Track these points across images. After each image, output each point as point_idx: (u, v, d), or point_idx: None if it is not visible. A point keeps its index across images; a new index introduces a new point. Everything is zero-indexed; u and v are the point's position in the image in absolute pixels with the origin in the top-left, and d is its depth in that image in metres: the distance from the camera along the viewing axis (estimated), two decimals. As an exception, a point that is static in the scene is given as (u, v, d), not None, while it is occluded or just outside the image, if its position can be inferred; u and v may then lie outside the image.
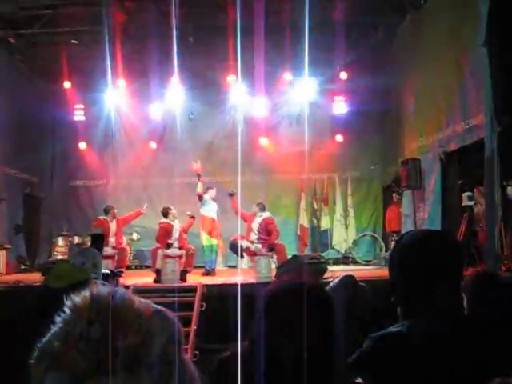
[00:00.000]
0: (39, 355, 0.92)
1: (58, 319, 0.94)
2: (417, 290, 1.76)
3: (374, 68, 14.02)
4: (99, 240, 8.68)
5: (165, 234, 10.40)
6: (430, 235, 1.97)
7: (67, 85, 14.76)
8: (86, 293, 0.95)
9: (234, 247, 10.05)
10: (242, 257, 10.43)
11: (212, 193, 12.09)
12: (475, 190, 9.78)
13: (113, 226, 10.88)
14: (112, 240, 10.60)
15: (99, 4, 11.19)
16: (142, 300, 0.99)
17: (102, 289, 0.96)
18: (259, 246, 10.12)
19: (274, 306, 1.39)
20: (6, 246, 12.91)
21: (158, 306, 1.00)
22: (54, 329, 0.93)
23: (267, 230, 10.30)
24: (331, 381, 1.30)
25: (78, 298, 0.95)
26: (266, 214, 10.52)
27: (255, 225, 10.36)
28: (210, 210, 12.01)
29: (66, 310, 0.94)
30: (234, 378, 1.37)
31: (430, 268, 1.76)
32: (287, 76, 14.47)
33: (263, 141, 15.43)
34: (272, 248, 10.14)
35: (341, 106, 15.09)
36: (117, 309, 0.92)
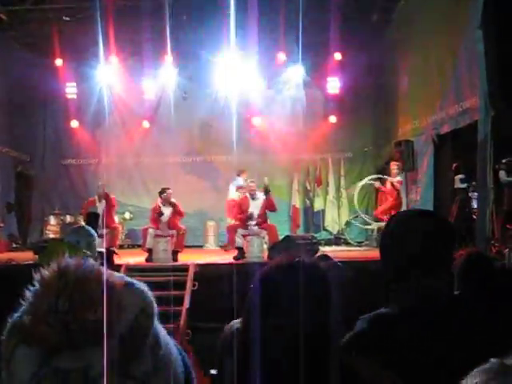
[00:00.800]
0: (10, 330, 0.92)
1: (27, 293, 0.93)
2: (406, 271, 1.77)
3: (369, 50, 13.96)
4: (94, 219, 8.66)
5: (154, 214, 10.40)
6: (418, 215, 1.97)
7: (59, 62, 14.61)
8: (54, 266, 0.94)
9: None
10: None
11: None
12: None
13: (101, 205, 10.75)
14: (99, 221, 10.50)
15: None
16: (115, 273, 0.98)
17: (69, 261, 0.95)
18: (255, 228, 10.13)
19: (270, 283, 1.38)
20: (-3, 224, 12.89)
21: (133, 280, 0.99)
22: (23, 303, 0.92)
23: (269, 209, 10.30)
24: (327, 361, 1.29)
25: (46, 271, 0.93)
26: (263, 196, 10.46)
27: (253, 208, 10.28)
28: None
29: (36, 283, 0.93)
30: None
31: (419, 248, 1.76)
32: (281, 56, 14.38)
33: (257, 120, 15.38)
34: (262, 229, 10.14)
35: (334, 87, 15.04)
36: (85, 281, 0.91)
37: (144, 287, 0.99)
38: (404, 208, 11.67)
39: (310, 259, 1.44)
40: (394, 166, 11.87)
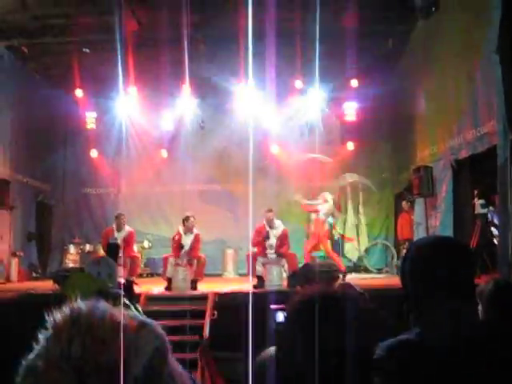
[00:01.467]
0: (24, 373, 0.91)
1: (40, 336, 0.92)
2: (428, 298, 1.75)
3: (385, 75, 13.99)
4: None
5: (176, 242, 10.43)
6: (440, 242, 1.95)
7: (79, 93, 14.85)
8: (66, 309, 0.94)
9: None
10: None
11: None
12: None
13: (119, 235, 10.73)
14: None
15: (111, 13, 11.25)
16: (126, 312, 0.97)
17: (81, 305, 0.94)
18: (273, 256, 10.09)
19: (303, 315, 1.39)
20: (18, 253, 12.98)
21: (146, 319, 0.99)
22: (35, 346, 0.92)
23: (282, 241, 10.25)
24: None
25: (58, 314, 0.93)
26: (282, 225, 10.45)
27: (272, 238, 10.26)
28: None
29: (48, 326, 0.92)
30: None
31: (440, 275, 1.74)
32: (298, 84, 14.46)
33: (274, 148, 15.43)
34: (281, 258, 10.10)
35: (352, 114, 15.08)
36: (98, 324, 0.90)
37: (157, 326, 0.98)
38: (423, 234, 11.58)
39: (342, 289, 1.46)
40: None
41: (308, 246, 11.92)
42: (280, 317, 4.00)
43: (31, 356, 0.91)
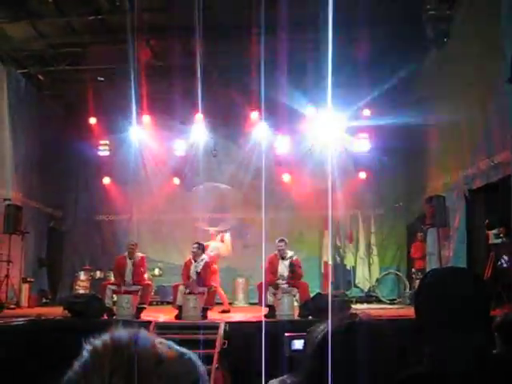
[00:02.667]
0: None
1: (76, 365, 0.87)
2: (442, 330, 1.71)
3: (398, 105, 14.00)
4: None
5: (185, 270, 10.40)
6: (454, 273, 1.93)
7: (93, 120, 14.99)
8: (106, 337, 0.89)
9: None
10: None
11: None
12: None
13: (130, 262, 10.67)
14: (129, 278, 10.44)
15: (125, 42, 11.41)
16: (163, 341, 0.93)
17: (122, 334, 0.89)
18: (285, 286, 10.01)
19: (332, 345, 1.37)
20: (28, 279, 12.99)
21: (182, 348, 0.94)
22: (71, 374, 0.87)
23: (295, 271, 10.17)
24: None
25: (99, 342, 0.88)
26: (292, 255, 10.38)
27: (283, 267, 10.19)
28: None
29: (85, 354, 0.87)
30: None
31: (454, 307, 1.71)
32: (310, 113, 14.51)
33: (286, 177, 15.43)
34: (293, 287, 10.01)
35: (364, 143, 15.09)
36: (140, 357, 0.85)
37: (194, 357, 0.94)
38: (436, 265, 11.46)
39: (367, 319, 1.44)
40: None
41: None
42: (296, 344, 3.95)
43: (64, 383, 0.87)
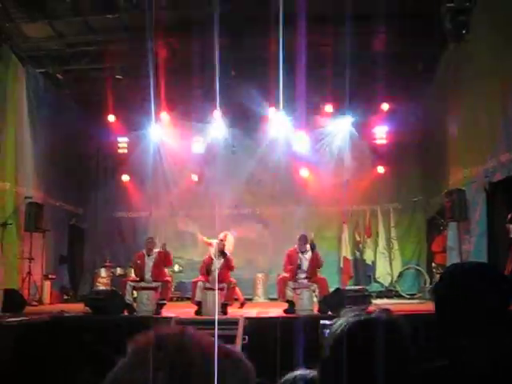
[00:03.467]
0: None
1: (120, 362, 0.84)
2: (461, 325, 1.71)
3: (416, 98, 13.93)
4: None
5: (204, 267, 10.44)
6: (474, 268, 1.92)
7: (112, 118, 15.07)
8: (151, 334, 0.86)
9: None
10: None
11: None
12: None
13: (149, 260, 10.70)
14: (148, 274, 10.47)
15: (144, 40, 11.45)
16: (212, 339, 0.89)
17: (168, 329, 0.87)
18: (304, 280, 9.99)
19: (349, 340, 1.37)
20: (50, 276, 13.13)
21: (228, 346, 0.91)
22: (116, 371, 0.84)
23: (316, 264, 10.16)
24: None
25: (143, 338, 0.85)
26: (311, 249, 10.36)
27: (303, 261, 10.17)
28: None
29: (129, 351, 0.85)
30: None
31: (474, 302, 1.70)
32: (328, 108, 14.48)
33: (305, 172, 15.42)
34: (312, 282, 9.99)
35: (382, 138, 15.03)
36: (185, 353, 0.82)
37: (243, 357, 0.91)
38: (456, 259, 11.37)
39: (386, 315, 1.44)
40: None
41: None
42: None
43: (108, 380, 0.84)
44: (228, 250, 10.97)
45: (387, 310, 1.46)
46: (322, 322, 4.34)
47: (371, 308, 1.50)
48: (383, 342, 1.34)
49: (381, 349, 1.32)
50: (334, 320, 1.46)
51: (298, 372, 1.69)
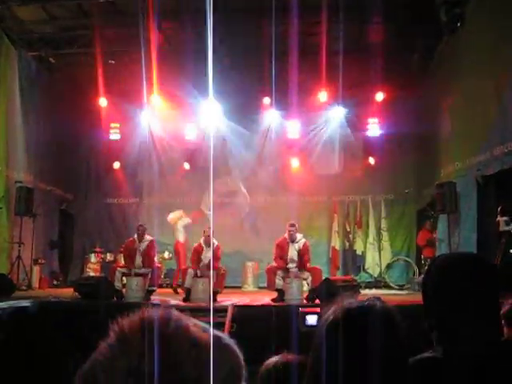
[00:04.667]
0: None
1: (102, 346, 0.81)
2: (450, 315, 1.71)
3: (410, 90, 13.92)
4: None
5: (195, 253, 10.46)
6: (463, 258, 1.92)
7: (104, 104, 14.98)
8: (135, 317, 0.83)
9: None
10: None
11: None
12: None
13: (140, 246, 10.71)
14: (139, 260, 10.50)
15: (137, 25, 11.37)
16: (198, 323, 0.86)
17: (153, 313, 0.83)
18: (295, 270, 10.00)
19: (342, 331, 1.37)
20: (40, 261, 13.08)
21: (217, 332, 0.87)
22: (96, 357, 0.80)
23: (304, 255, 10.16)
24: None
25: (126, 322, 0.82)
26: (303, 239, 10.37)
27: (292, 251, 10.17)
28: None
29: (112, 336, 0.81)
30: None
31: (463, 292, 1.70)
32: (321, 98, 14.44)
33: (296, 162, 15.42)
34: (305, 271, 9.99)
35: (375, 129, 15.03)
36: (171, 339, 0.79)
37: (232, 343, 0.88)
38: (446, 251, 11.42)
39: (379, 303, 1.44)
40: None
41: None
42: (309, 320, 3.97)
43: (89, 365, 0.81)
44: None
45: (379, 299, 1.46)
46: (301, 309, 4.35)
47: (361, 297, 1.50)
48: (380, 328, 1.34)
49: (378, 335, 1.32)
50: (326, 307, 1.46)
51: (277, 358, 1.69)
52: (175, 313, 0.85)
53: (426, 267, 1.92)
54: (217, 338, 0.85)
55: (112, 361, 0.78)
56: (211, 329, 0.87)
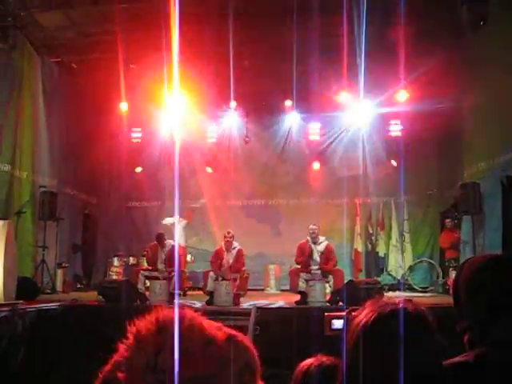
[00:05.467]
0: None
1: (121, 346, 0.84)
2: (485, 317, 1.67)
3: (433, 90, 13.79)
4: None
5: (216, 257, 10.48)
6: (498, 259, 1.87)
7: (125, 108, 15.08)
8: (151, 317, 0.85)
9: None
10: None
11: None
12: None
13: (162, 252, 10.78)
14: (162, 266, 10.56)
15: (158, 29, 11.41)
16: (212, 322, 0.89)
17: (167, 312, 0.86)
18: (318, 272, 9.97)
19: (377, 334, 1.35)
20: (63, 264, 13.20)
21: (231, 330, 0.89)
22: (116, 357, 0.83)
23: (328, 257, 10.12)
24: None
25: (143, 323, 0.85)
26: (325, 241, 10.34)
27: (315, 254, 10.14)
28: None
29: (129, 336, 0.84)
30: None
31: (500, 294, 1.66)
32: (343, 99, 14.38)
33: (318, 164, 15.37)
34: (328, 274, 9.95)
35: (397, 130, 14.93)
36: (186, 336, 0.81)
37: (246, 340, 0.90)
38: (470, 253, 11.28)
39: (413, 306, 1.42)
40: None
41: None
42: (336, 324, 3.95)
43: (109, 367, 0.83)
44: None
45: (411, 301, 1.44)
46: (327, 314, 4.33)
47: (391, 299, 1.47)
48: (415, 331, 1.32)
49: (412, 339, 1.30)
50: (358, 310, 1.44)
51: (311, 360, 1.67)
52: (190, 312, 0.88)
53: (457, 269, 1.88)
54: (233, 336, 0.87)
55: (130, 360, 0.81)
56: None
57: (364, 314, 1.40)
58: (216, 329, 0.86)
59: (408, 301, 1.44)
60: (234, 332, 0.89)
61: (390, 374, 1.28)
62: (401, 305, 1.40)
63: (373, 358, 1.30)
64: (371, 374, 1.29)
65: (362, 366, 1.31)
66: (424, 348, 1.32)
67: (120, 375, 0.80)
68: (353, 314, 1.43)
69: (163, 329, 0.82)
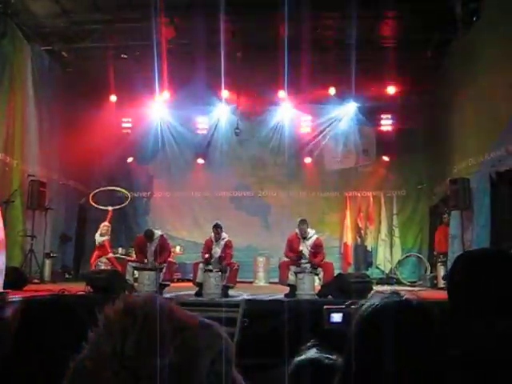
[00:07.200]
0: (72, 376, 0.80)
1: (90, 335, 0.81)
2: (480, 312, 1.67)
3: (423, 86, 13.83)
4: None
5: (205, 248, 10.44)
6: (493, 254, 1.88)
7: (116, 98, 15.00)
8: (120, 303, 0.82)
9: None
10: None
11: None
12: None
13: (151, 245, 10.70)
14: (151, 258, 10.49)
15: (149, 19, 11.35)
16: (185, 310, 0.86)
17: (136, 297, 0.84)
18: (307, 265, 9.96)
19: (377, 327, 1.34)
20: (52, 254, 13.12)
21: (205, 319, 0.86)
22: (87, 344, 0.81)
23: (317, 251, 10.12)
24: None
25: (110, 308, 0.82)
26: (315, 235, 10.33)
27: (305, 248, 10.13)
28: None
29: (99, 323, 0.81)
30: None
31: (494, 289, 1.67)
32: (333, 93, 14.38)
33: (309, 157, 15.38)
34: (317, 267, 9.95)
35: (387, 124, 14.96)
36: (155, 320, 0.78)
37: (220, 328, 0.87)
38: (459, 248, 11.34)
39: (414, 298, 1.41)
40: None
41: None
42: (334, 317, 3.93)
43: (80, 356, 0.81)
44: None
45: (398, 294, 1.43)
46: (325, 307, 4.30)
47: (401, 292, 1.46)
48: (418, 325, 1.31)
49: (415, 332, 1.29)
50: (361, 303, 1.43)
51: (311, 355, 1.65)
52: (159, 297, 0.85)
53: (452, 263, 1.88)
54: (207, 324, 0.85)
55: (97, 346, 0.78)
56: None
57: (364, 308, 1.39)
58: (188, 316, 0.84)
59: (412, 294, 1.43)
60: (207, 320, 0.86)
61: (391, 367, 1.27)
62: (405, 297, 1.39)
63: (375, 351, 1.29)
64: (373, 368, 1.28)
65: (363, 359, 1.31)
66: (427, 342, 1.31)
67: (87, 363, 0.78)
68: (352, 307, 1.42)
69: (130, 312, 0.80)
